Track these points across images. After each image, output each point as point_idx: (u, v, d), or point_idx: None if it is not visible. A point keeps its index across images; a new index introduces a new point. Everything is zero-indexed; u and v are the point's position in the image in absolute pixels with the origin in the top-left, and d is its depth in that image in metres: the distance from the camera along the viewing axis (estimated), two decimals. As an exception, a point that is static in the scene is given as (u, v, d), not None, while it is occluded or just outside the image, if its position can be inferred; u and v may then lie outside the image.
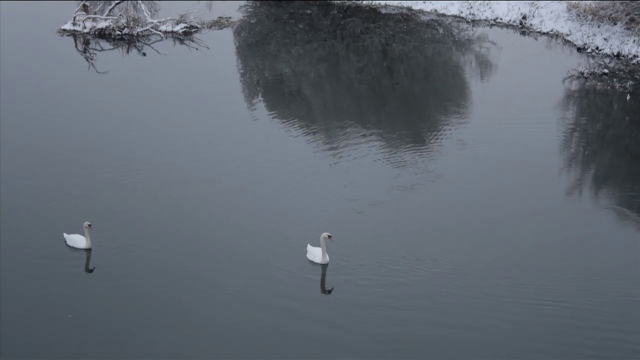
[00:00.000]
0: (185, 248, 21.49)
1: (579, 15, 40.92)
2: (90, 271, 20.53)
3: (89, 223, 20.95)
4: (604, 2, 40.14)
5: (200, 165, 26.21)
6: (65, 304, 19.12)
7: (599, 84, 34.48)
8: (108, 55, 38.45)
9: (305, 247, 21.25)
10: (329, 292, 20.00)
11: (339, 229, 22.05)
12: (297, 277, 20.37)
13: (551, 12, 42.32)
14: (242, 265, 20.74)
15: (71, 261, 20.81)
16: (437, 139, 28.86)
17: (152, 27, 40.71)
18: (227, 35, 41.53)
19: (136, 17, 41.22)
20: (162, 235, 22.00)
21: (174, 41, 40.21)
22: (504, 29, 42.29)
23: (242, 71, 37.08)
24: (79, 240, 21.18)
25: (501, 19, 43.10)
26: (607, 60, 37.19)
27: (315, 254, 20.95)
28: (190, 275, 20.38)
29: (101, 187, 24.59)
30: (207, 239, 21.92)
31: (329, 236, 20.65)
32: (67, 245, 21.29)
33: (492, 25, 42.76)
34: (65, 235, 21.45)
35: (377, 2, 46.03)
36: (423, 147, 28.13)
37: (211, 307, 19.19)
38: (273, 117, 31.01)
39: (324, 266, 20.74)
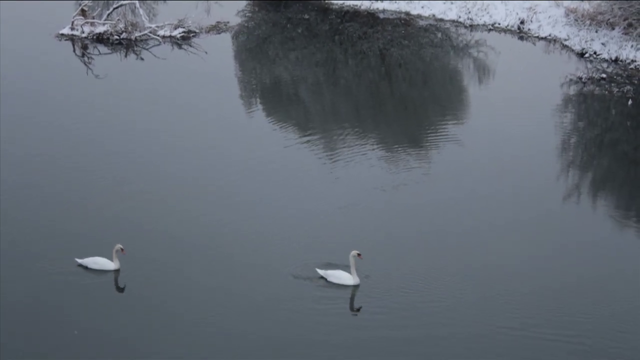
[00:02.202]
0: (190, 257, 21.34)
1: (577, 20, 40.96)
2: (122, 290, 20.14)
3: (121, 247, 20.30)
4: (602, 7, 40.17)
5: (198, 170, 26.12)
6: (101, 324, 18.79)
7: (597, 88, 34.50)
8: (106, 60, 38.40)
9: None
10: (358, 310, 19.55)
11: (339, 236, 22.05)
12: (326, 295, 19.91)
13: (549, 17, 42.35)
14: (259, 278, 20.45)
15: (93, 281, 20.37)
16: (434, 143, 28.83)
17: (150, 32, 40.70)
18: (225, 40, 41.52)
19: (134, 22, 41.18)
20: (172, 245, 21.74)
21: (172, 46, 40.19)
22: (502, 33, 42.31)
23: (240, 76, 37.06)
24: (105, 263, 20.43)
25: (499, 24, 43.12)
26: (605, 65, 37.22)
27: (341, 276, 19.92)
28: (202, 286, 20.27)
29: (100, 193, 24.46)
30: (205, 245, 21.83)
31: (359, 254, 19.82)
32: (87, 269, 20.49)
33: (490, 30, 42.79)
34: (80, 260, 20.56)
35: (376, 7, 46.06)
36: (420, 152, 28.12)
37: (232, 321, 18.97)
38: (271, 122, 30.97)
39: (355, 287, 19.93)
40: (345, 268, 20.24)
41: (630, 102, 33.02)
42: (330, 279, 20.02)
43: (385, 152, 28.03)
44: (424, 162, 27.18)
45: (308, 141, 28.89)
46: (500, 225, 23.13)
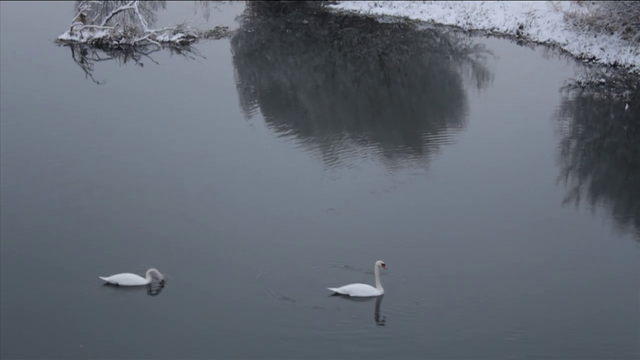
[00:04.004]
0: (201, 267, 21.17)
1: (575, 25, 41.00)
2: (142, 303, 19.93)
3: (162, 280, 20.21)
4: (601, 12, 40.22)
5: (197, 175, 26.11)
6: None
7: (595, 93, 34.51)
8: (105, 65, 38.43)
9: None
10: (383, 321, 19.30)
11: (340, 241, 22.03)
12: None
13: (548, 22, 42.40)
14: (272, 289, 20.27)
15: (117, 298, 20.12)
16: (433, 148, 28.85)
17: (149, 37, 40.75)
18: (224, 45, 41.56)
19: (133, 27, 41.24)
20: (177, 253, 21.61)
21: (171, 51, 40.23)
22: (501, 38, 42.35)
23: (239, 81, 37.09)
24: (136, 279, 20.15)
25: (498, 29, 43.16)
26: (604, 69, 37.24)
27: (366, 289, 19.57)
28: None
29: (105, 202, 24.34)
30: (220, 254, 21.72)
31: (383, 264, 19.60)
32: (117, 285, 20.11)
33: (488, 35, 42.82)
34: (105, 278, 20.13)
35: (375, 11, 46.09)
36: (419, 157, 28.12)
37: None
38: (270, 127, 30.99)
39: (381, 297, 19.71)
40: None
41: (627, 106, 33.04)
42: (355, 293, 19.64)
43: (383, 157, 28.03)
44: (422, 167, 27.18)
45: (307, 145, 28.89)
46: (498, 229, 23.08)
